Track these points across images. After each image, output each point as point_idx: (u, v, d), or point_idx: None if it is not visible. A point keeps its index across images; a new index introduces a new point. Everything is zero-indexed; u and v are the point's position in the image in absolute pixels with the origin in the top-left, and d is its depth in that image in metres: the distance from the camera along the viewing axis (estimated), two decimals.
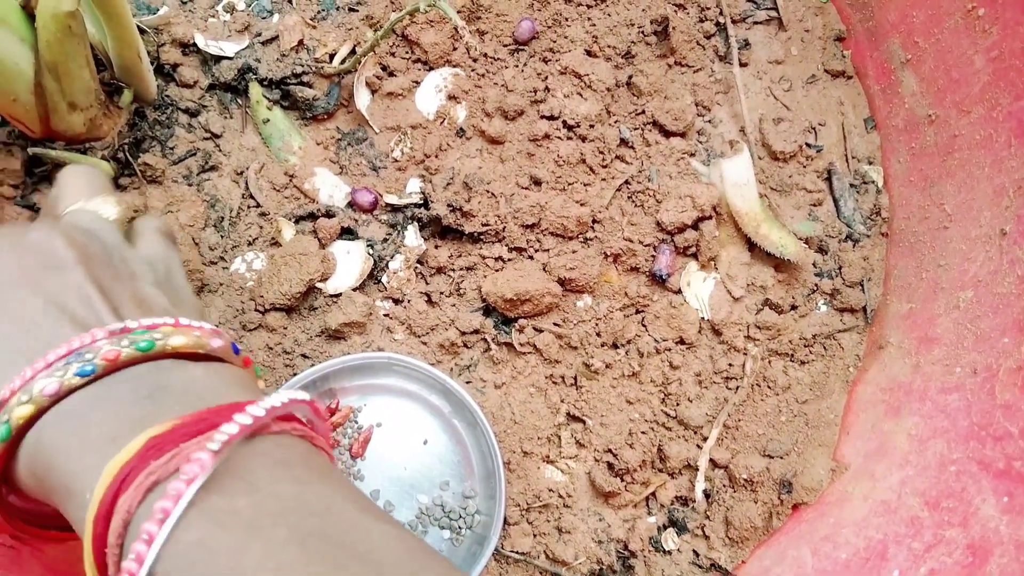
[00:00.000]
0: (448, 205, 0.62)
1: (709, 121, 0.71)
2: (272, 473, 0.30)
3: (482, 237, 0.63)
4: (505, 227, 0.62)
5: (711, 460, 0.63)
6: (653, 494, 0.62)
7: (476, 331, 0.62)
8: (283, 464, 0.30)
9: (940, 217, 0.64)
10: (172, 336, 0.35)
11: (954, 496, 0.53)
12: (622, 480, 0.61)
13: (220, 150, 0.65)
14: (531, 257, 0.64)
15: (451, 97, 0.66)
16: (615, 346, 0.64)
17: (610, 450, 0.61)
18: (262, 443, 0.31)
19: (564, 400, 0.63)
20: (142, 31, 0.62)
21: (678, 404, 0.63)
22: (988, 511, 0.49)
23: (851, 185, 0.70)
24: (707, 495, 0.63)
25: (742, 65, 0.72)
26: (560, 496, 0.61)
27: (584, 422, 0.63)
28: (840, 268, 0.68)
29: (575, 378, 0.63)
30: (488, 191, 0.62)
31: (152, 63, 0.63)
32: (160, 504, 0.27)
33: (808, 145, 0.71)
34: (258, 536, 0.27)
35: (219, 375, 0.35)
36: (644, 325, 0.65)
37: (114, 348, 0.33)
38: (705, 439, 0.63)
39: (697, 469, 0.62)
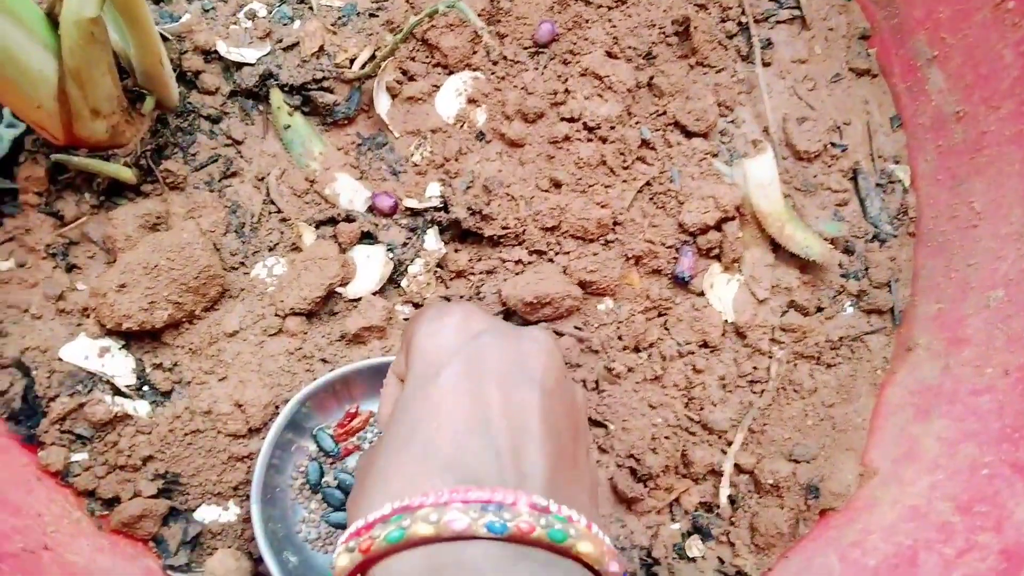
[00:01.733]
0: (468, 208, 0.62)
1: (732, 121, 0.70)
2: None
3: (502, 240, 0.63)
4: (525, 230, 0.62)
5: (736, 465, 0.62)
6: (677, 500, 0.62)
7: None
8: None
9: (969, 215, 0.63)
10: (582, 540, 0.32)
11: (987, 500, 0.51)
12: (645, 486, 0.61)
13: (241, 156, 0.65)
14: (551, 260, 0.63)
15: (471, 100, 0.66)
16: (637, 350, 0.63)
17: (632, 455, 0.61)
18: None
19: (586, 404, 0.62)
20: (165, 39, 0.63)
21: (702, 408, 0.62)
22: (1022, 515, 0.48)
23: (877, 184, 0.69)
24: (732, 501, 0.62)
25: (765, 65, 0.71)
26: None
27: (606, 427, 0.62)
28: (867, 269, 0.67)
29: (596, 382, 0.62)
30: (508, 194, 0.62)
31: (174, 70, 0.63)
32: None
33: (833, 144, 0.70)
34: None
35: None
36: (667, 328, 0.64)
37: (531, 522, 0.31)
38: (730, 444, 0.62)
39: (722, 474, 0.61)
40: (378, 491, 0.34)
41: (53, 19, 0.52)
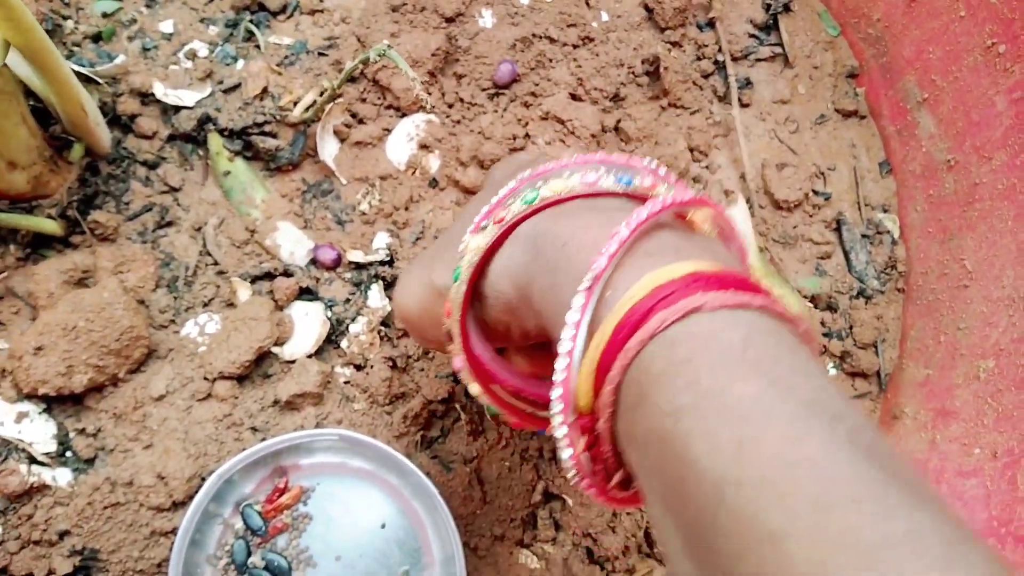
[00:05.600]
0: (409, 263, 0.57)
1: (706, 167, 0.65)
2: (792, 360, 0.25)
3: None
4: None
5: None
6: None
7: (446, 400, 0.58)
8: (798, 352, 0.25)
9: (960, 274, 0.58)
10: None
11: None
12: (603, 568, 0.56)
13: (179, 204, 0.61)
14: None
15: (423, 146, 0.62)
16: None
17: (590, 533, 0.56)
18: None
19: (541, 476, 0.57)
20: (96, 82, 0.59)
21: None
22: None
23: (863, 236, 0.64)
24: None
25: (743, 105, 0.67)
26: None
27: (563, 500, 0.57)
28: (851, 328, 0.62)
29: (553, 451, 0.58)
30: None
31: (108, 114, 0.60)
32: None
33: (815, 192, 0.65)
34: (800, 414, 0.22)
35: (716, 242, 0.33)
36: None
37: (653, 181, 0.31)
38: None
39: None
40: (486, 194, 0.36)
41: None
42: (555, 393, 0.27)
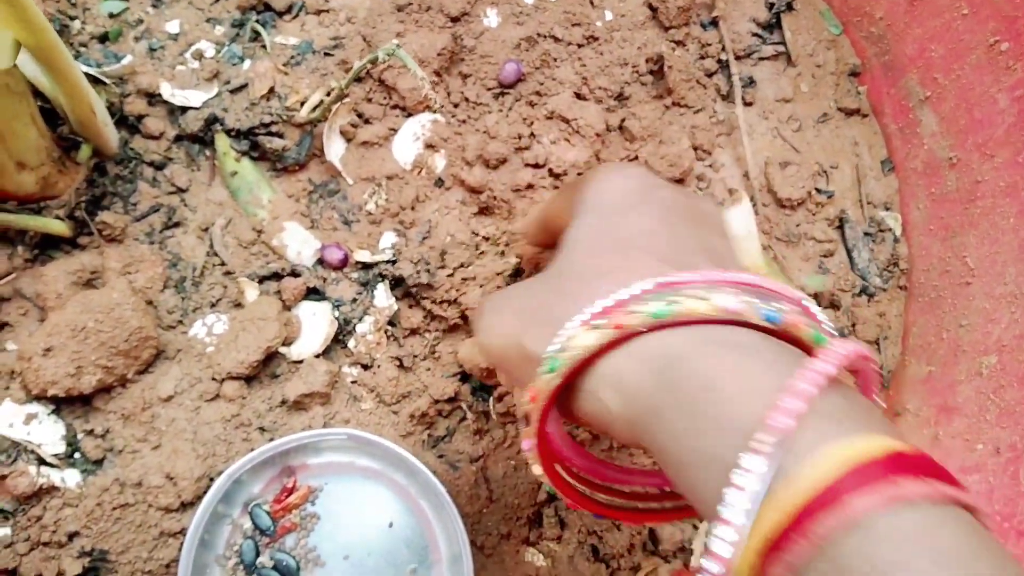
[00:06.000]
0: (415, 265, 0.57)
1: (710, 166, 0.66)
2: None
3: (447, 305, 0.59)
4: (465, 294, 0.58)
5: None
6: None
7: (452, 399, 0.58)
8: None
9: (962, 271, 0.58)
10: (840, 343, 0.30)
11: None
12: (607, 566, 0.56)
13: (186, 205, 0.61)
14: None
15: (429, 145, 0.62)
16: None
17: (595, 532, 0.56)
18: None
19: None
20: (103, 82, 0.59)
21: None
22: None
23: (865, 233, 0.65)
24: None
25: (747, 104, 0.67)
26: None
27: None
28: (853, 325, 0.63)
29: None
30: (461, 262, 0.58)
31: (115, 114, 0.60)
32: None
33: (818, 190, 0.65)
34: None
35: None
36: None
37: (797, 319, 0.29)
38: (702, 518, 0.57)
39: (692, 552, 0.57)
40: (603, 280, 0.32)
41: None
42: (712, 566, 0.24)
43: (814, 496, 0.22)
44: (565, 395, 0.33)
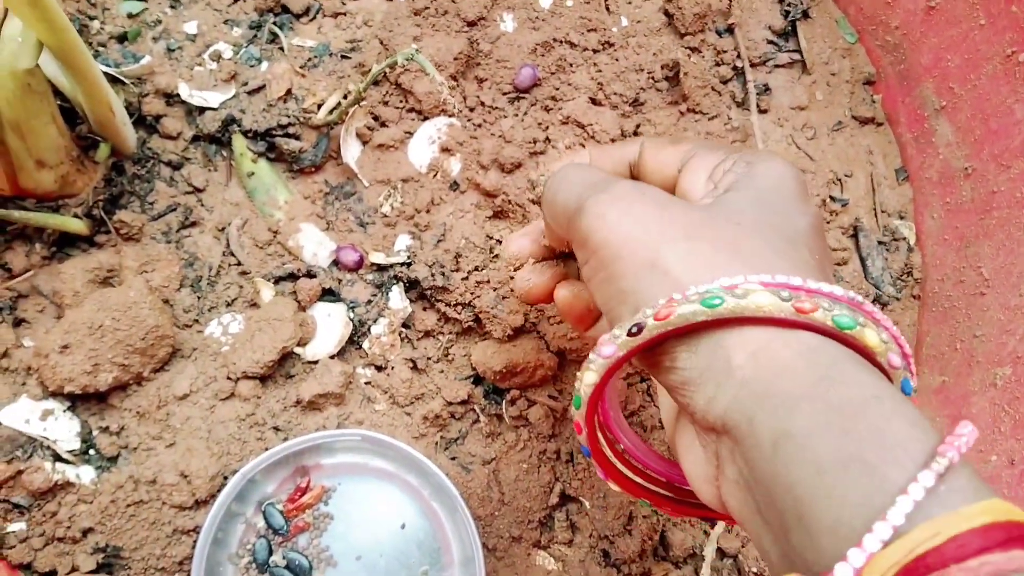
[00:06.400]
0: (430, 269, 0.58)
1: None
2: None
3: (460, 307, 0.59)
4: (479, 296, 0.58)
5: (719, 549, 0.57)
6: None
7: (465, 401, 0.58)
8: None
9: (976, 281, 0.58)
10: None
11: None
12: (619, 571, 0.56)
13: (202, 205, 0.62)
14: (527, 328, 0.59)
15: (445, 149, 0.62)
16: None
17: (607, 536, 0.56)
18: None
19: (559, 478, 0.58)
20: (122, 82, 0.60)
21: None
22: None
23: (879, 242, 0.65)
24: None
25: (761, 111, 0.67)
26: None
27: (580, 503, 0.58)
28: None
29: (571, 454, 0.58)
30: (476, 265, 0.58)
31: (133, 114, 0.60)
32: None
33: (832, 199, 0.65)
34: None
35: None
36: (650, 395, 0.60)
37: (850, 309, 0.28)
38: (713, 525, 0.58)
39: (703, 559, 0.57)
40: (781, 258, 0.30)
41: None
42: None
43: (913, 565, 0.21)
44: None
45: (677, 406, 0.33)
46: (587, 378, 0.31)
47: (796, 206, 0.33)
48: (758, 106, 0.67)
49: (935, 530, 0.21)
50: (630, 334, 0.29)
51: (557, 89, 0.64)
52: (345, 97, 0.61)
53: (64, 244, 0.59)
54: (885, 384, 0.26)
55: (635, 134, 0.64)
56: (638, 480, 0.37)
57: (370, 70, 0.63)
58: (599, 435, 0.36)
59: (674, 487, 0.37)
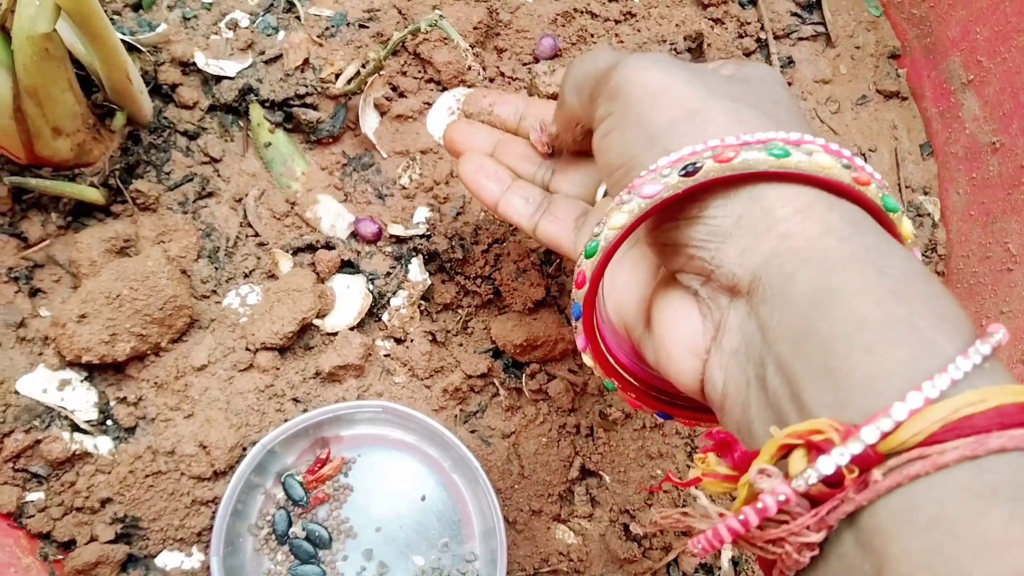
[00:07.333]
0: (449, 240, 0.57)
1: None
2: None
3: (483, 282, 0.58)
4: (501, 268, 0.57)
5: None
6: (675, 561, 0.57)
7: (484, 375, 0.58)
8: None
9: (1003, 257, 0.58)
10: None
11: None
12: (640, 545, 0.56)
13: (219, 175, 0.61)
14: (547, 301, 0.58)
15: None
16: None
17: (627, 510, 0.56)
18: None
19: (579, 452, 0.58)
20: (138, 50, 0.59)
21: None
22: None
23: None
24: (735, 563, 0.57)
25: None
26: (571, 560, 0.56)
27: (600, 477, 0.57)
28: None
29: (591, 428, 0.58)
30: (496, 238, 0.57)
31: (149, 83, 0.60)
32: None
33: None
34: None
35: None
36: None
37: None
38: (734, 499, 0.57)
39: None
40: (732, 114, 0.29)
41: (5, 33, 0.48)
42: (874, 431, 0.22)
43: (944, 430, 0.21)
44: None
45: (667, 275, 0.32)
46: (615, 219, 0.29)
47: (793, 98, 0.33)
48: None
49: (982, 396, 0.21)
50: (686, 173, 0.27)
51: None
52: (364, 66, 0.61)
53: (80, 214, 0.58)
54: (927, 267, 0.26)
55: None
56: (611, 360, 0.36)
57: (388, 39, 0.62)
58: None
59: (636, 376, 0.36)
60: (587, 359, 0.36)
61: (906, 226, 0.28)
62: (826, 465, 0.22)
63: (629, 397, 0.37)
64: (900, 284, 0.24)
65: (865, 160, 0.65)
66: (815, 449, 0.23)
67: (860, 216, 0.27)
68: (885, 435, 0.22)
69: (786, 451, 0.24)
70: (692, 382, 0.30)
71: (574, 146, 0.43)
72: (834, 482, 0.22)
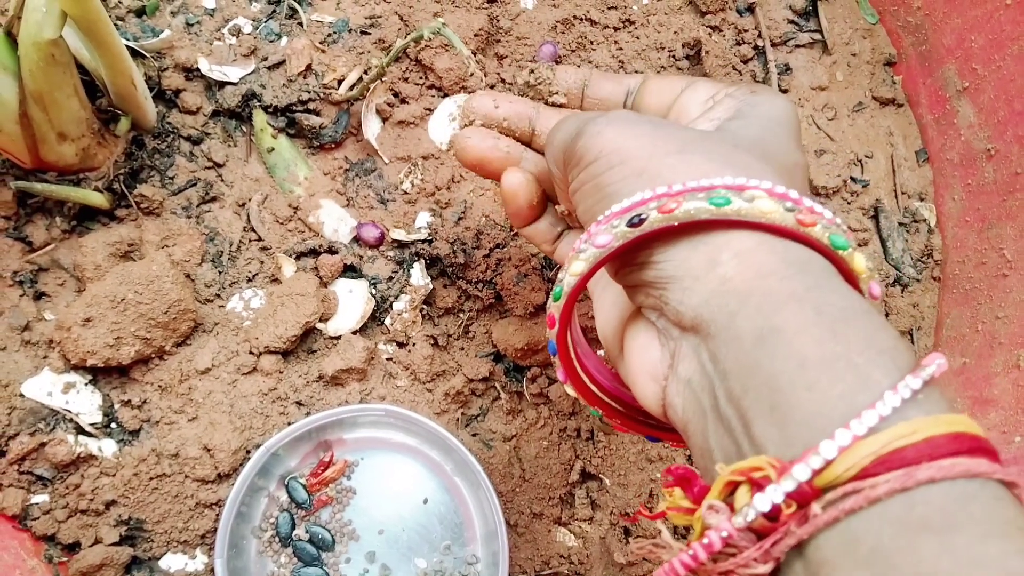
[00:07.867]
0: (451, 245, 0.58)
1: None
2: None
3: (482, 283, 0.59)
4: (502, 273, 0.58)
5: None
6: None
7: (486, 378, 0.58)
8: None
9: (999, 263, 0.58)
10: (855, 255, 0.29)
11: None
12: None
13: (222, 180, 0.61)
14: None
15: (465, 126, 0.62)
16: None
17: (627, 513, 0.57)
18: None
19: (579, 455, 0.58)
20: (143, 56, 0.59)
21: None
22: None
23: (900, 224, 0.65)
24: None
25: (782, 91, 0.67)
26: (572, 563, 0.56)
27: (600, 480, 0.58)
28: (887, 315, 0.63)
29: (591, 432, 0.58)
30: (497, 243, 0.58)
31: (153, 88, 0.60)
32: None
33: (853, 179, 0.65)
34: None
35: None
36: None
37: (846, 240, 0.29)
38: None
39: None
40: (680, 166, 0.30)
41: (12, 39, 0.48)
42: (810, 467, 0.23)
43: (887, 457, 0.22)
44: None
45: (635, 307, 0.33)
46: (575, 267, 0.31)
47: (794, 144, 0.34)
48: (779, 86, 0.66)
49: (913, 428, 0.22)
50: (631, 224, 0.29)
51: (578, 67, 0.64)
52: (366, 72, 0.61)
53: (84, 218, 0.59)
54: (871, 304, 0.27)
55: None
56: (594, 389, 0.38)
57: (390, 46, 0.63)
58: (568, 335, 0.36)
59: (622, 402, 0.38)
60: (570, 390, 0.37)
61: (858, 262, 0.29)
62: (762, 502, 0.23)
63: (615, 423, 0.38)
64: (838, 322, 0.25)
65: (862, 166, 0.66)
66: (756, 485, 0.24)
67: (806, 256, 0.28)
68: (817, 472, 0.22)
69: (734, 487, 0.24)
70: (656, 406, 0.31)
71: None
72: (775, 516, 0.23)
